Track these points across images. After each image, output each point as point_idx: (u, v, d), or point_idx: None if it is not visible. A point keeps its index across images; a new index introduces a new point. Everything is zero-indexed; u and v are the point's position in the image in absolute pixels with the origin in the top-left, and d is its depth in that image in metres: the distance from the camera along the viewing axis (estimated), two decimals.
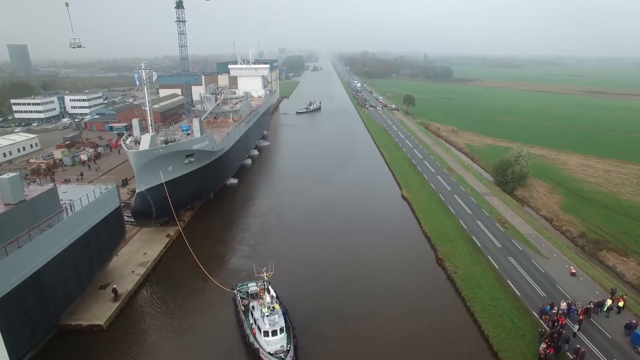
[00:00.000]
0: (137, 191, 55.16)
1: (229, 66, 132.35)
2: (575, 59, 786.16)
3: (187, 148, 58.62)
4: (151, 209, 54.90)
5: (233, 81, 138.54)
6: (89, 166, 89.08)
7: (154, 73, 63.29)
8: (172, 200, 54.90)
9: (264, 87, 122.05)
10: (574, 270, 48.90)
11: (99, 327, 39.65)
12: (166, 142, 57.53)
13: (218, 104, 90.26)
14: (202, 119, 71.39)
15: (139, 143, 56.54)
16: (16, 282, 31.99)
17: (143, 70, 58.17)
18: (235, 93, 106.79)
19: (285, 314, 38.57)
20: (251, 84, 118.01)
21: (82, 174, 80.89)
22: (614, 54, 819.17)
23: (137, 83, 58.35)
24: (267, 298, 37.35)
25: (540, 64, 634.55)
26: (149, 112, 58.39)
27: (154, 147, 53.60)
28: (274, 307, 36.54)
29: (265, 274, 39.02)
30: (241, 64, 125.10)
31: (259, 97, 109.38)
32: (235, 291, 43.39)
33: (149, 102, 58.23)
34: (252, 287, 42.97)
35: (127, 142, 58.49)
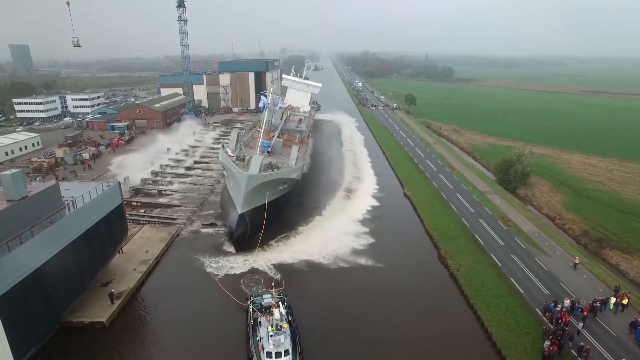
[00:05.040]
0: (239, 212, 53.01)
1: (283, 75, 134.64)
2: (577, 59, 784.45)
3: (288, 177, 57.94)
4: (247, 231, 53.80)
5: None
6: (88, 166, 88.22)
7: (280, 100, 64.80)
8: (260, 221, 54.34)
9: (310, 103, 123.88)
10: (577, 261, 48.96)
11: (101, 324, 39.53)
12: (270, 165, 57.01)
13: (284, 120, 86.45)
14: (276, 135, 70.63)
15: (241, 160, 56.49)
16: (18, 278, 31.87)
17: (270, 95, 57.73)
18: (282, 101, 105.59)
19: (294, 333, 35.32)
20: (299, 99, 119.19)
21: (75, 172, 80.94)
22: (615, 54, 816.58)
23: (262, 108, 59.06)
24: (276, 314, 34.12)
25: (541, 64, 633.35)
26: (262, 134, 57.24)
27: (263, 170, 53.05)
28: (281, 326, 33.37)
29: (273, 290, 37.71)
30: (294, 75, 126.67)
31: (303, 111, 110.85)
32: (248, 302, 39.96)
33: (264, 125, 57.80)
34: (267, 299, 39.19)
35: (229, 153, 57.36)
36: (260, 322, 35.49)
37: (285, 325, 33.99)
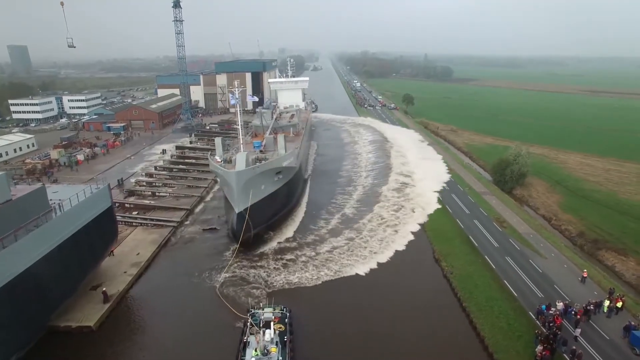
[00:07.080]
0: (236, 212, 52.70)
1: (269, 80, 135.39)
2: (577, 59, 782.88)
3: (279, 165, 57.66)
4: (248, 228, 52.91)
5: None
6: (76, 169, 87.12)
7: (251, 97, 69.31)
8: (262, 217, 54.25)
9: (304, 99, 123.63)
10: (585, 274, 46.44)
11: (89, 328, 39.01)
12: (258, 159, 56.78)
13: (275, 119, 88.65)
14: (267, 134, 71.10)
15: (229, 162, 56.17)
16: (2, 282, 31.42)
17: (236, 89, 56.95)
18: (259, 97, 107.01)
19: (285, 357, 31.72)
20: (292, 98, 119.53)
21: (53, 173, 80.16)
22: (615, 54, 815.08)
23: (232, 102, 58.00)
24: (266, 336, 30.43)
25: (541, 64, 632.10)
26: (240, 131, 57.05)
27: (251, 165, 52.61)
28: (268, 350, 29.64)
29: (261, 310, 36.07)
30: (279, 77, 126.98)
31: (296, 106, 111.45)
32: (248, 315, 36.56)
33: (240, 122, 56.59)
34: (268, 313, 36.02)
35: (217, 160, 57.39)
36: (248, 342, 32.02)
37: (274, 349, 30.39)
